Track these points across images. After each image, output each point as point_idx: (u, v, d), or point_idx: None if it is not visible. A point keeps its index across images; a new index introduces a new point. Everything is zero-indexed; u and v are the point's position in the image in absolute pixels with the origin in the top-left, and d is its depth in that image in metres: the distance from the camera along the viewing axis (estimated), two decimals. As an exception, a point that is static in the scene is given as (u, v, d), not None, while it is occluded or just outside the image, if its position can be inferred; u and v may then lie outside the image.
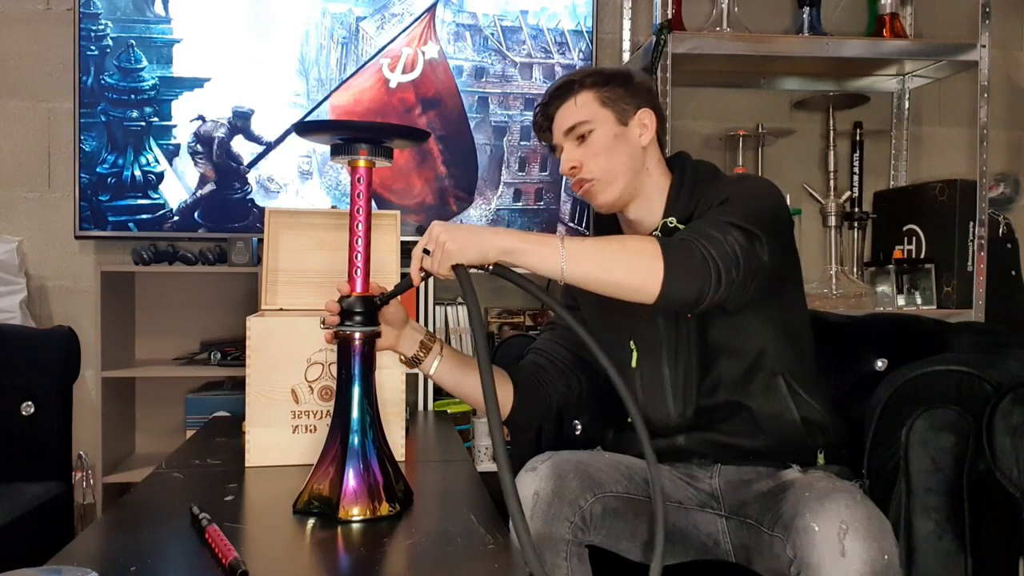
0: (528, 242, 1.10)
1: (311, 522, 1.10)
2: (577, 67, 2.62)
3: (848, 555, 0.99)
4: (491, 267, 1.11)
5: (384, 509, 1.11)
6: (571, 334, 1.41)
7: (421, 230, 2.56)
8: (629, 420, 1.37)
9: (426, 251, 1.11)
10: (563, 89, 1.34)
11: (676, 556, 1.32)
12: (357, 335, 1.14)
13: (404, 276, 1.16)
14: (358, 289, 1.15)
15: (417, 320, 2.35)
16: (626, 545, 1.27)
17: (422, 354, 1.29)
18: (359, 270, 1.15)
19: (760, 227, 1.15)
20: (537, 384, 1.39)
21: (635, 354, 1.34)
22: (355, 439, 1.12)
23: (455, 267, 1.08)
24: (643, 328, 1.33)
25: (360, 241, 1.15)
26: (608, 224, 1.43)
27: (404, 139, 1.19)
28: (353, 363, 1.14)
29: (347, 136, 1.15)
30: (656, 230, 1.30)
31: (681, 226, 1.27)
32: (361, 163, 1.15)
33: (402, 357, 1.30)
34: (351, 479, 1.10)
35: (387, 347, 1.26)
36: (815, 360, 1.39)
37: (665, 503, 1.28)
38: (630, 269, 1.10)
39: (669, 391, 1.31)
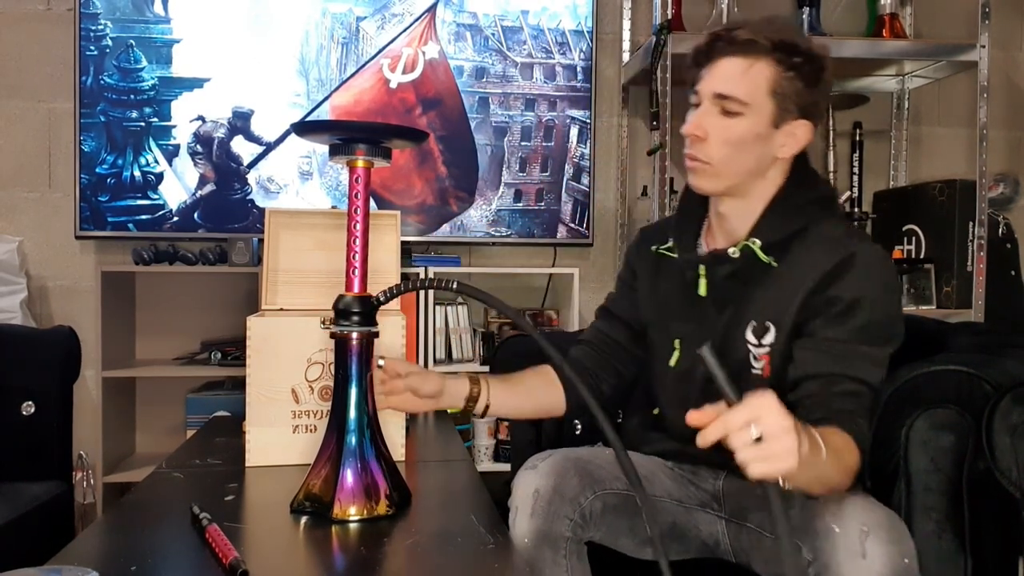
0: (809, 459, 0.94)
1: (311, 522, 1.10)
2: (578, 68, 2.62)
3: (869, 557, 0.98)
4: (455, 284, 1.12)
5: (381, 509, 1.11)
6: (621, 323, 1.40)
7: (422, 230, 2.57)
8: (656, 412, 1.37)
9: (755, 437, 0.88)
10: (748, 45, 1.16)
11: (675, 553, 1.31)
12: (354, 335, 1.14)
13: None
14: (355, 289, 1.15)
15: (416, 320, 2.36)
16: (624, 541, 1.27)
17: (471, 405, 1.31)
18: (356, 270, 1.15)
19: (883, 372, 1.13)
20: (588, 378, 1.39)
21: (676, 353, 1.31)
22: (352, 439, 1.12)
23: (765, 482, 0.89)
24: (693, 333, 1.28)
25: (358, 241, 1.15)
26: (695, 201, 1.32)
27: (402, 139, 1.19)
28: (350, 363, 1.14)
29: (345, 136, 1.15)
30: (737, 248, 1.21)
31: (761, 253, 1.19)
32: (359, 163, 1.15)
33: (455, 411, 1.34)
34: (348, 479, 1.10)
35: (433, 408, 1.30)
36: None
37: (651, 498, 1.27)
38: (846, 476, 1.05)
39: (693, 397, 1.29)
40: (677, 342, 1.31)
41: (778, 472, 0.87)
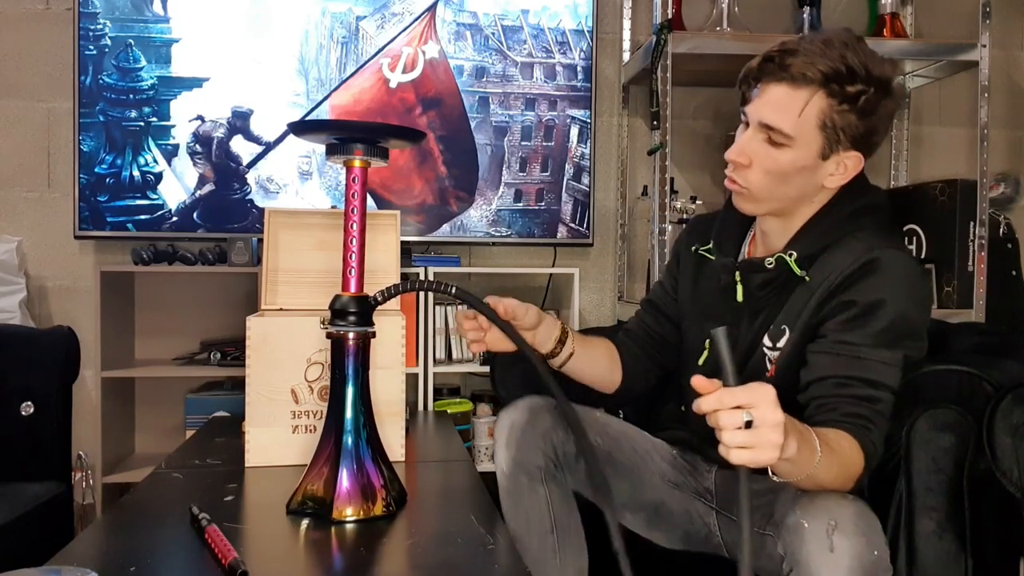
0: (799, 458, 0.97)
1: (311, 523, 1.10)
2: (578, 67, 2.61)
3: (837, 551, 0.98)
4: (454, 289, 1.13)
5: (378, 509, 1.11)
6: (664, 317, 1.44)
7: (422, 230, 2.57)
8: (683, 409, 1.38)
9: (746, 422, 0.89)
10: (799, 75, 1.11)
11: (661, 532, 1.34)
12: (350, 335, 1.14)
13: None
14: (352, 289, 1.15)
15: (416, 320, 2.36)
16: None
17: (558, 348, 1.35)
18: (353, 270, 1.15)
19: (899, 374, 1.11)
20: (640, 367, 1.44)
21: (706, 354, 1.32)
22: (349, 439, 1.12)
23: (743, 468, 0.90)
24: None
25: (355, 241, 1.15)
26: (736, 217, 1.32)
27: (399, 139, 1.19)
28: (347, 363, 1.14)
29: (342, 136, 1.15)
30: (772, 258, 1.21)
31: (795, 266, 1.19)
32: (356, 163, 1.15)
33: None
34: (344, 479, 1.10)
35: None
36: None
37: (591, 445, 1.30)
38: (845, 481, 1.07)
39: None
40: (708, 343, 1.32)
41: (756, 463, 0.88)
